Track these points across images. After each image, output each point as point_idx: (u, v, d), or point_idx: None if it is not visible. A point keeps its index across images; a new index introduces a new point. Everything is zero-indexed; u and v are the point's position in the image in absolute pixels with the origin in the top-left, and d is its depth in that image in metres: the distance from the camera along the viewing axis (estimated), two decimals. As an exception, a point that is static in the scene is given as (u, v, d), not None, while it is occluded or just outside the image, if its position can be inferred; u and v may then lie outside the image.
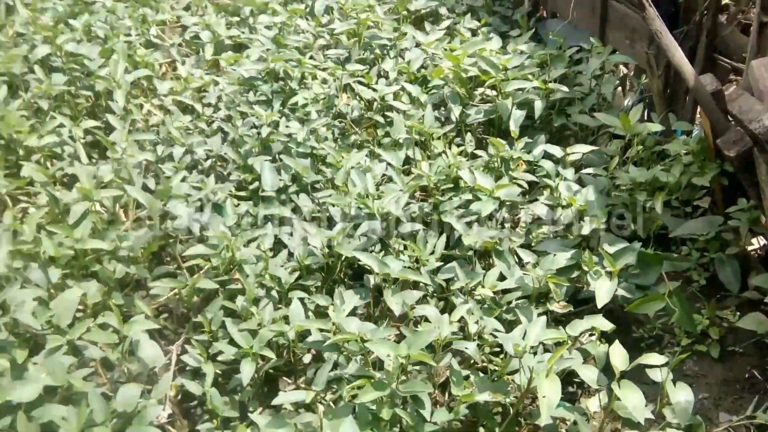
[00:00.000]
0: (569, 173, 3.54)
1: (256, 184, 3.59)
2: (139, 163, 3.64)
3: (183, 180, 3.50)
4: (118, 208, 3.50)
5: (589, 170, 3.61)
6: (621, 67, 4.56)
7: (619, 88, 4.51)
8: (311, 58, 4.54)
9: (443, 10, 5.33)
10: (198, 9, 5.32)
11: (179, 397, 3.01)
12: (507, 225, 3.47)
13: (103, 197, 3.32)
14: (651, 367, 2.52)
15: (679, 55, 3.07)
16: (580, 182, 3.55)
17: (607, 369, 2.53)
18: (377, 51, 4.75)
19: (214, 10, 5.17)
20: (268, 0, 5.21)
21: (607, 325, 2.73)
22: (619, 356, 2.51)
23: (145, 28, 4.94)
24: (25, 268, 2.99)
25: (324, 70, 4.48)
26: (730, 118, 3.07)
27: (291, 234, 3.25)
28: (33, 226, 3.10)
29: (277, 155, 3.74)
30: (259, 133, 3.83)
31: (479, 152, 3.73)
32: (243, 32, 4.93)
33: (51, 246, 3.01)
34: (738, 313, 3.00)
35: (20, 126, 3.78)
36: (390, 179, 3.60)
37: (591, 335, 2.85)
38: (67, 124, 3.82)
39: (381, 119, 4.15)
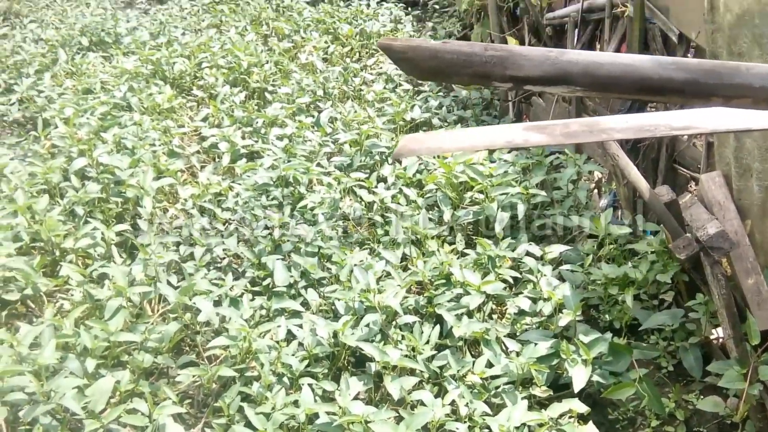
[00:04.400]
0: (549, 269, 3.95)
1: (269, 280, 4.00)
2: (165, 262, 4.07)
3: (203, 277, 3.91)
4: (145, 303, 3.89)
5: (567, 267, 4.03)
6: (595, 172, 5.08)
7: (595, 191, 5.01)
8: (318, 165, 5.06)
9: (436, 120, 5.93)
10: (215, 120, 5.91)
11: (197, 476, 3.31)
12: (494, 316, 3.87)
13: (134, 293, 3.73)
14: (621, 445, 2.86)
15: (634, 173, 3.57)
16: (560, 277, 3.96)
17: (583, 447, 2.87)
18: (377, 158, 5.29)
19: (230, 122, 5.74)
20: (278, 113, 5.81)
21: (583, 408, 3.09)
22: (592, 435, 2.86)
23: (168, 139, 5.49)
24: (63, 359, 3.37)
25: (329, 175, 4.99)
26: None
27: (300, 326, 3.64)
28: (72, 321, 3.50)
29: (287, 254, 4.17)
30: (271, 234, 4.28)
31: (468, 251, 4.17)
32: (256, 141, 5.49)
33: (88, 338, 3.39)
34: (701, 397, 3.36)
35: (58, 230, 4.23)
36: (389, 275, 4.01)
37: (569, 417, 3.18)
38: (100, 227, 4.27)
39: (380, 219, 4.61)
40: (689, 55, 4.15)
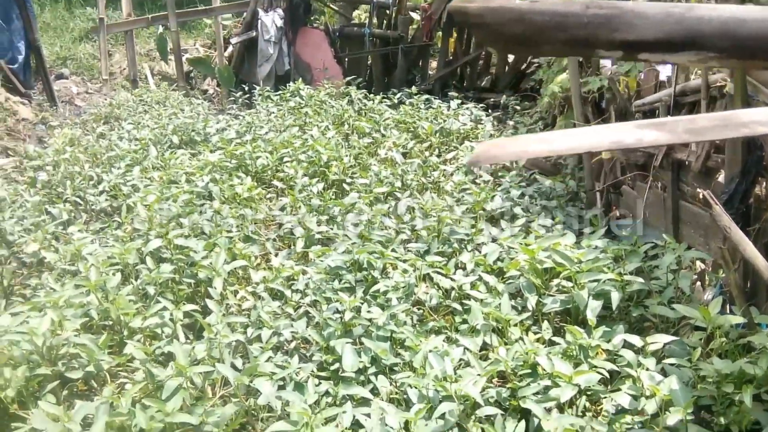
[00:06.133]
0: (651, 363, 3.48)
1: (337, 365, 3.71)
2: (230, 344, 3.87)
3: (268, 360, 3.68)
4: (207, 385, 3.67)
5: (672, 360, 3.54)
6: (698, 263, 4.62)
7: (698, 283, 4.53)
8: (393, 251, 4.85)
9: (518, 210, 5.66)
10: (293, 210, 5.88)
11: None
12: (588, 414, 3.40)
13: (195, 373, 3.52)
14: None
15: (750, 249, 3.15)
16: (663, 373, 3.48)
17: None
18: (455, 245, 5.03)
19: (307, 210, 5.69)
20: (355, 201, 5.72)
21: None
22: None
23: (245, 226, 5.47)
24: (116, 439, 3.16)
25: (405, 261, 4.75)
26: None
27: (369, 414, 3.29)
28: (129, 399, 3.31)
29: (358, 338, 3.90)
30: (342, 318, 4.03)
31: (557, 338, 3.76)
32: (332, 228, 5.38)
33: (144, 419, 3.17)
34: None
35: (127, 309, 4.15)
36: (467, 363, 3.65)
37: None
38: (170, 307, 4.16)
39: (458, 307, 4.29)
40: (799, 129, 3.77)
